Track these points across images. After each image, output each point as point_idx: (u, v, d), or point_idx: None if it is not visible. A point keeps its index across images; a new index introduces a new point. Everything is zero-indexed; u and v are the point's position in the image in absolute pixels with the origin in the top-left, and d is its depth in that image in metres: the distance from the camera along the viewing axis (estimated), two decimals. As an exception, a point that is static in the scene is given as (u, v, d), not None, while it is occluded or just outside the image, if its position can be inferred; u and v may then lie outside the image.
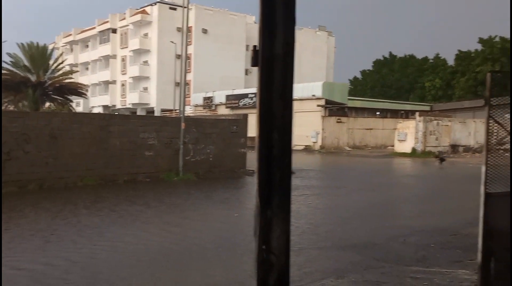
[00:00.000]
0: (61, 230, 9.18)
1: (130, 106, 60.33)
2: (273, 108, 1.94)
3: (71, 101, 37.67)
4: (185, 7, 20.45)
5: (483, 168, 4.29)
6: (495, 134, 4.80)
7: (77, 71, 58.73)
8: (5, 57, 33.25)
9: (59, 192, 14.17)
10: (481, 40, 60.98)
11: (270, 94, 1.92)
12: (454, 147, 36.75)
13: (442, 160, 25.49)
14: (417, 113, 37.10)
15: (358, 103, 46.40)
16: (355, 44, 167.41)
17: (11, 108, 32.12)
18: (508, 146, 5.25)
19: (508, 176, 4.48)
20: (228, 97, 48.30)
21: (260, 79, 1.92)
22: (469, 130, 37.41)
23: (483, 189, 4.26)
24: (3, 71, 30.11)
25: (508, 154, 5.26)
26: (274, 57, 1.91)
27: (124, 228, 9.66)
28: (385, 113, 46.19)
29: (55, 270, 6.62)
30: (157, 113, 54.03)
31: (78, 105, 57.42)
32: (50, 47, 43.96)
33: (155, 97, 57.91)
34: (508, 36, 58.41)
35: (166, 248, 7.97)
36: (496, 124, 4.73)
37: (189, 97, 51.41)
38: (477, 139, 36.37)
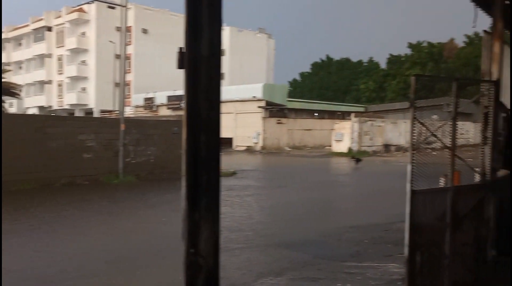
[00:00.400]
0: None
1: (67, 107, 58.21)
2: (200, 110, 1.89)
3: (3, 101, 35.86)
4: (123, 6, 19.95)
5: (409, 167, 4.50)
6: (424, 134, 5.03)
7: (10, 70, 55.90)
8: None
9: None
10: (410, 45, 63.91)
11: (195, 95, 1.88)
12: (386, 147, 38.19)
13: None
14: (352, 114, 38.29)
15: (297, 104, 47.19)
16: (294, 47, 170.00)
17: None
18: (434, 145, 5.52)
19: (431, 174, 4.74)
20: (170, 98, 47.61)
21: (186, 81, 1.89)
22: (400, 131, 38.96)
23: (409, 186, 4.47)
24: None
25: (434, 153, 5.55)
26: (199, 59, 1.88)
27: (59, 233, 9.32)
28: (323, 114, 47.20)
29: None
30: (96, 114, 52.46)
31: (11, 106, 54.76)
32: (-21, 44, 41.63)
33: (94, 97, 56.20)
34: (434, 41, 61.79)
35: (108, 253, 7.76)
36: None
37: (129, 97, 50.29)
38: (407, 138, 37.79)
